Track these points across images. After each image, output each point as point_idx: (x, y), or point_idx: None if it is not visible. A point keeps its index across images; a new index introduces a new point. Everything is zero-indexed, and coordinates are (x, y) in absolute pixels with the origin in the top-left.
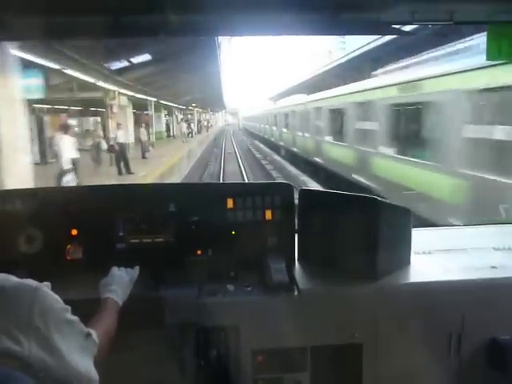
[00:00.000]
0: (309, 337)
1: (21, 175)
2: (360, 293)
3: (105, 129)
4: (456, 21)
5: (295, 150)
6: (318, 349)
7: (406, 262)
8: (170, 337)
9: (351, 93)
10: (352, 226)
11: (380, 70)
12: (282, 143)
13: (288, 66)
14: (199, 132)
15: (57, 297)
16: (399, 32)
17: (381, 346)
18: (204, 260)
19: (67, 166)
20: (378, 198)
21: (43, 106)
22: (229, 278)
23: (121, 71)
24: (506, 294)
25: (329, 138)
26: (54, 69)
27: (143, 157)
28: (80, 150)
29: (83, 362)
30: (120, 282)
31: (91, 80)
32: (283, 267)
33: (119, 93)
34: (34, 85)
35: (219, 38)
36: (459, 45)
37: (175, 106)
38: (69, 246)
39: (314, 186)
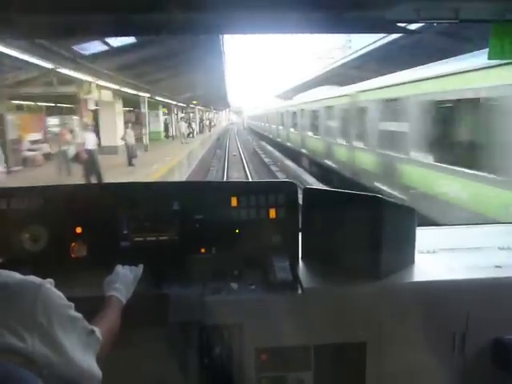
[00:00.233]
0: (312, 335)
1: None
2: (364, 292)
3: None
4: (461, 19)
5: (304, 151)
6: (322, 347)
7: (410, 261)
8: (173, 335)
9: (373, 89)
10: (356, 224)
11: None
12: (289, 144)
13: (296, 63)
14: (201, 132)
15: (60, 293)
16: (404, 30)
17: (384, 344)
18: (208, 258)
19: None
20: (382, 197)
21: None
22: (232, 276)
23: (96, 57)
24: (511, 294)
25: (342, 141)
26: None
27: (130, 164)
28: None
29: (86, 358)
30: (124, 280)
31: (51, 67)
32: (287, 266)
33: (98, 86)
34: None
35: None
36: None
37: (174, 103)
38: (73, 244)
39: None
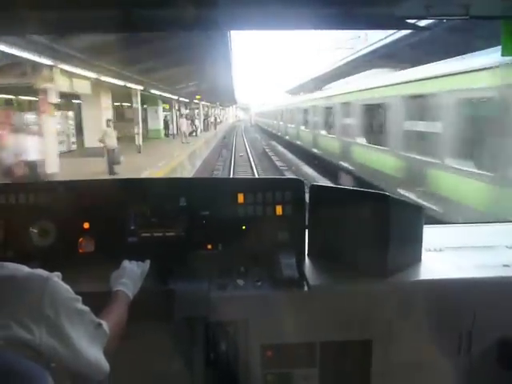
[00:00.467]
0: (318, 332)
1: None
2: (370, 289)
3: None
4: (471, 15)
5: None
6: (327, 344)
7: (417, 258)
8: (179, 330)
9: (396, 84)
10: (363, 222)
11: None
12: (298, 142)
13: (308, 55)
14: (206, 129)
15: (67, 287)
16: (414, 27)
17: (390, 342)
18: (214, 254)
19: None
20: (390, 195)
21: None
22: (239, 272)
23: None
24: None
25: (361, 140)
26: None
27: (111, 172)
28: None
29: (93, 351)
30: (131, 276)
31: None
32: (293, 262)
33: (66, 73)
34: None
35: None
36: None
37: (175, 98)
38: (81, 239)
39: None
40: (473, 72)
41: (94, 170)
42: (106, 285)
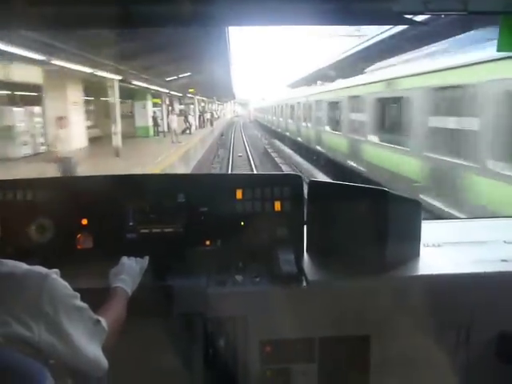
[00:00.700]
0: (317, 328)
1: None
2: (368, 285)
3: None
4: (470, 10)
5: (322, 150)
6: (326, 340)
7: (416, 254)
8: (178, 326)
9: (422, 73)
10: (361, 217)
11: None
12: (300, 139)
13: (306, 51)
14: (202, 126)
15: (66, 283)
16: (411, 22)
17: (389, 337)
18: (213, 250)
19: None
20: (388, 190)
21: None
22: (237, 268)
23: None
24: None
25: (373, 138)
26: None
27: None
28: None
29: (92, 348)
30: (130, 272)
31: None
32: (292, 258)
33: None
34: None
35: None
36: None
37: (165, 91)
38: (79, 236)
39: None
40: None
41: None
42: (104, 281)
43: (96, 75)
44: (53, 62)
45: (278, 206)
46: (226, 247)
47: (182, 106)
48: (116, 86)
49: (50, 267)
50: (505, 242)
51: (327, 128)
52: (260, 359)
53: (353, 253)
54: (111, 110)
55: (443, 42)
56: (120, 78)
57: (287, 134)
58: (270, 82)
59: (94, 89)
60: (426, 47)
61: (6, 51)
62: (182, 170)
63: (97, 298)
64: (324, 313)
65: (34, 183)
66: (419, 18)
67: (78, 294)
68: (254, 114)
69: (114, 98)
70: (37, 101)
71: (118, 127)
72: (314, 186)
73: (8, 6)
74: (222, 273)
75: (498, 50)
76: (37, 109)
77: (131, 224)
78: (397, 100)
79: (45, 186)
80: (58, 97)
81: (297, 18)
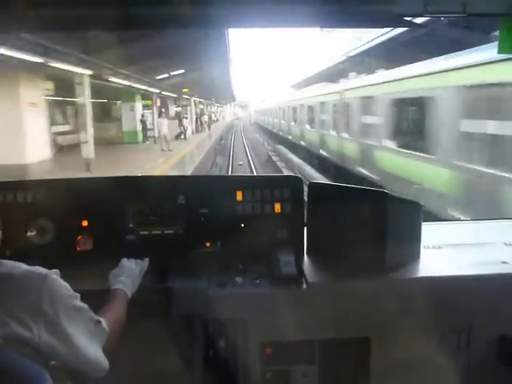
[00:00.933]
0: (317, 330)
1: None
2: (369, 286)
3: None
4: (469, 13)
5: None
6: (326, 342)
7: (416, 256)
8: (178, 328)
9: (451, 70)
10: (361, 219)
11: None
12: (302, 143)
13: (313, 48)
14: (199, 130)
15: (66, 284)
16: (411, 24)
17: (389, 340)
18: (213, 252)
19: None
20: (388, 192)
21: None
22: (237, 270)
23: None
24: None
25: (389, 144)
26: None
27: None
28: None
29: (93, 348)
30: (130, 274)
31: None
32: (292, 260)
33: None
34: None
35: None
36: None
37: (156, 91)
38: (79, 237)
39: None
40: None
41: None
42: (104, 283)
43: (67, 71)
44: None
45: (278, 207)
46: (226, 249)
47: (179, 108)
48: (86, 82)
49: (50, 268)
50: (505, 243)
51: (332, 132)
52: (260, 361)
53: (353, 255)
54: (80, 112)
55: None
56: (90, 72)
57: (289, 137)
58: (271, 83)
59: (72, 87)
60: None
61: None
62: None
63: (97, 300)
64: (324, 315)
65: (35, 185)
66: (418, 20)
67: (78, 295)
68: (255, 116)
69: (84, 97)
70: None
71: (88, 134)
72: (314, 187)
73: (5, 8)
74: (222, 275)
75: (499, 53)
76: None
77: (131, 226)
78: (419, 101)
79: (45, 188)
80: (6, 96)
81: (296, 20)
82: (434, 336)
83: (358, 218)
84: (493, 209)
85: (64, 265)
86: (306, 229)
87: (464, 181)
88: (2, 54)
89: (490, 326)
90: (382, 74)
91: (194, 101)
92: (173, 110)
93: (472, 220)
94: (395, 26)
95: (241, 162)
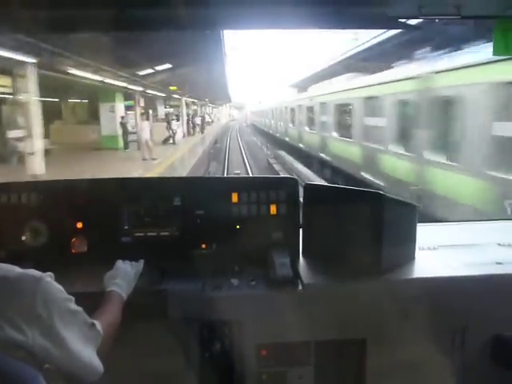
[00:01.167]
0: (313, 331)
1: None
2: (364, 288)
3: None
4: (463, 15)
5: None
6: (322, 343)
7: (411, 257)
8: (174, 330)
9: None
10: (357, 220)
11: None
12: (301, 145)
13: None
14: (191, 133)
15: (60, 287)
16: (405, 26)
17: (384, 341)
18: (208, 254)
19: None
20: (383, 193)
21: None
22: (233, 272)
23: None
24: (511, 291)
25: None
26: None
27: None
28: None
29: (87, 352)
30: (125, 276)
31: None
32: (288, 262)
33: None
34: None
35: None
36: None
37: (139, 89)
38: (74, 239)
39: None
40: None
41: None
42: (99, 285)
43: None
44: None
45: (273, 209)
46: (221, 251)
47: (172, 109)
48: (32, 74)
49: (44, 271)
50: (499, 244)
51: (334, 134)
52: (256, 363)
53: (348, 256)
54: (21, 112)
55: None
56: (34, 61)
57: (286, 139)
58: (268, 83)
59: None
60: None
61: None
62: None
63: (91, 302)
64: (320, 316)
65: (29, 186)
66: (413, 21)
67: (73, 298)
68: (251, 117)
69: (29, 93)
70: None
71: (35, 143)
72: (310, 189)
73: (0, 9)
74: (217, 276)
75: (494, 54)
76: None
77: (126, 228)
78: (441, 101)
79: (39, 189)
80: None
81: (291, 21)
82: (429, 337)
83: (354, 220)
84: None
85: (58, 267)
86: (301, 230)
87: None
88: None
89: (485, 327)
90: (394, 72)
91: (186, 101)
92: (162, 111)
93: (466, 221)
94: (390, 28)
95: (238, 171)
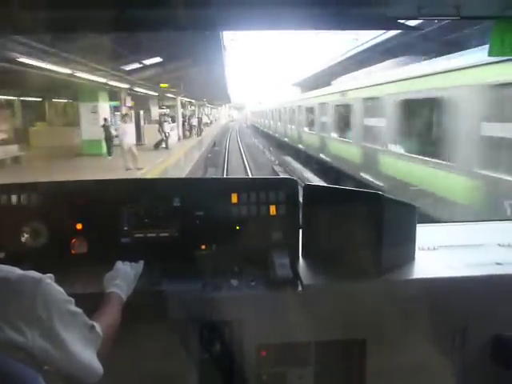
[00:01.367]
0: (313, 332)
1: None
2: (364, 288)
3: None
4: (463, 15)
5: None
6: (322, 344)
7: (411, 257)
8: (174, 331)
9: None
10: (356, 221)
11: None
12: (300, 146)
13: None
14: (186, 135)
15: (60, 288)
16: (405, 27)
17: (384, 341)
18: (208, 255)
19: None
20: (383, 194)
21: None
22: (233, 272)
23: None
24: (511, 291)
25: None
26: None
27: None
28: None
29: (87, 353)
30: (124, 277)
31: None
32: (287, 262)
33: None
34: None
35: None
36: None
37: (125, 87)
38: (73, 240)
39: None
40: None
41: None
42: (99, 286)
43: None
44: None
45: (273, 209)
46: (221, 251)
47: (167, 110)
48: None
49: (44, 272)
50: (499, 245)
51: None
52: (256, 363)
53: (348, 256)
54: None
55: None
56: None
57: (286, 139)
58: (269, 83)
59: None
60: None
61: None
62: None
63: (91, 304)
64: (320, 317)
65: (29, 187)
66: (413, 22)
67: (73, 299)
68: (251, 118)
69: None
70: None
71: None
72: (309, 189)
73: (1, 10)
74: (217, 277)
75: (490, 55)
76: None
77: (126, 228)
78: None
79: (39, 190)
80: None
81: (291, 22)
82: (429, 337)
83: (353, 220)
84: None
85: (58, 268)
86: (301, 231)
87: None
88: None
89: (485, 327)
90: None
91: (182, 101)
92: (156, 112)
93: (466, 222)
94: (389, 29)
95: None
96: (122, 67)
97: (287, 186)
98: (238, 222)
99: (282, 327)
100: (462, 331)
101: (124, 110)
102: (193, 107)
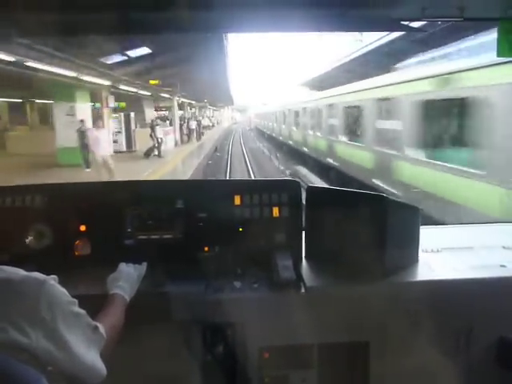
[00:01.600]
0: (316, 334)
1: None
2: (367, 290)
3: None
4: (466, 17)
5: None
6: (325, 346)
7: (414, 259)
8: (176, 333)
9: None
10: (360, 223)
11: None
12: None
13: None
14: (184, 140)
15: (64, 290)
16: (409, 28)
17: (388, 344)
18: (211, 257)
19: None
20: (386, 196)
21: None
22: (236, 274)
23: None
24: None
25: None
26: None
27: None
28: None
29: (90, 354)
30: (128, 278)
31: None
32: (290, 264)
33: None
34: None
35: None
36: None
37: (106, 83)
38: (77, 242)
39: None
40: None
41: None
42: (102, 288)
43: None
44: None
45: (276, 211)
46: (224, 253)
47: (167, 112)
48: None
49: (47, 273)
50: (503, 247)
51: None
52: (259, 365)
53: (351, 258)
54: None
55: None
56: None
57: (290, 142)
58: (273, 83)
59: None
60: None
61: None
62: None
63: (95, 305)
64: (323, 319)
65: (33, 189)
66: (416, 24)
67: (76, 301)
68: (255, 120)
69: None
70: None
71: None
72: (312, 191)
73: (4, 13)
74: (220, 279)
75: (498, 56)
76: None
77: (129, 230)
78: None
79: (43, 192)
80: None
81: (294, 24)
82: (433, 339)
83: (357, 222)
84: None
85: (62, 269)
86: (304, 233)
87: None
88: None
89: (489, 329)
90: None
91: (180, 102)
92: (152, 114)
93: (470, 224)
94: (393, 30)
95: None
96: (101, 60)
97: (290, 188)
98: (241, 223)
99: (285, 329)
100: (466, 333)
101: (106, 112)
102: (193, 109)
